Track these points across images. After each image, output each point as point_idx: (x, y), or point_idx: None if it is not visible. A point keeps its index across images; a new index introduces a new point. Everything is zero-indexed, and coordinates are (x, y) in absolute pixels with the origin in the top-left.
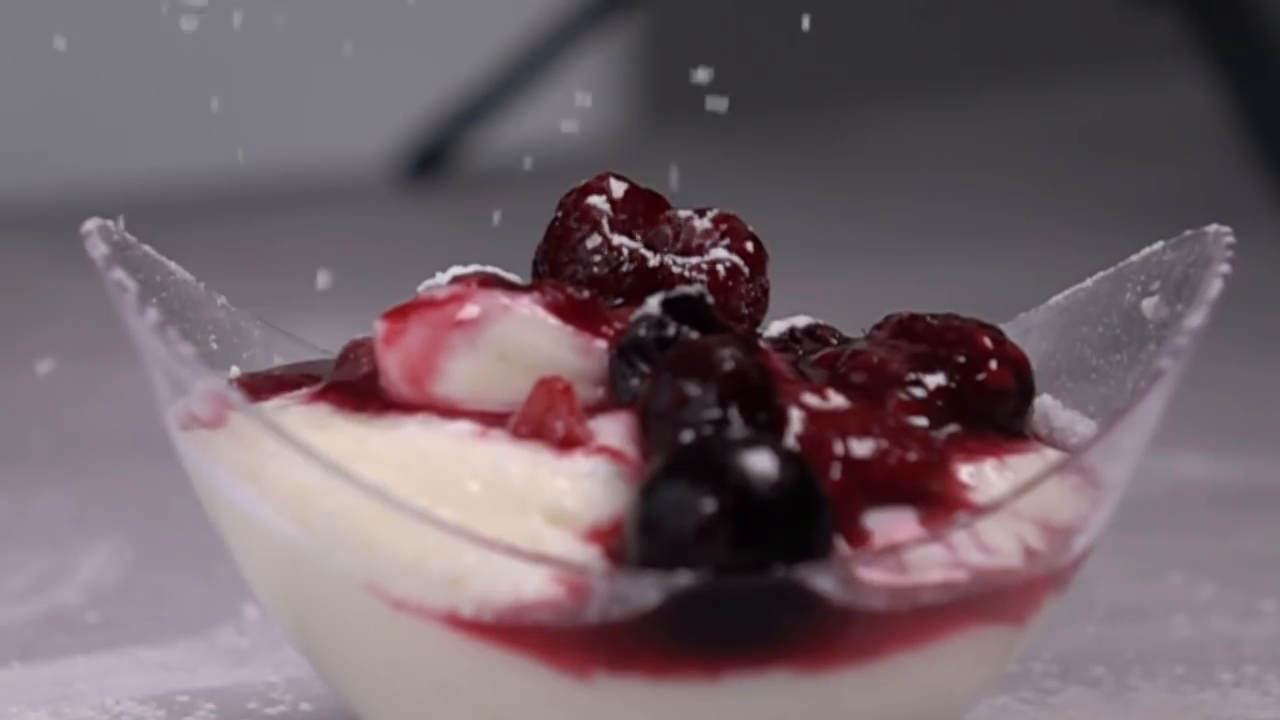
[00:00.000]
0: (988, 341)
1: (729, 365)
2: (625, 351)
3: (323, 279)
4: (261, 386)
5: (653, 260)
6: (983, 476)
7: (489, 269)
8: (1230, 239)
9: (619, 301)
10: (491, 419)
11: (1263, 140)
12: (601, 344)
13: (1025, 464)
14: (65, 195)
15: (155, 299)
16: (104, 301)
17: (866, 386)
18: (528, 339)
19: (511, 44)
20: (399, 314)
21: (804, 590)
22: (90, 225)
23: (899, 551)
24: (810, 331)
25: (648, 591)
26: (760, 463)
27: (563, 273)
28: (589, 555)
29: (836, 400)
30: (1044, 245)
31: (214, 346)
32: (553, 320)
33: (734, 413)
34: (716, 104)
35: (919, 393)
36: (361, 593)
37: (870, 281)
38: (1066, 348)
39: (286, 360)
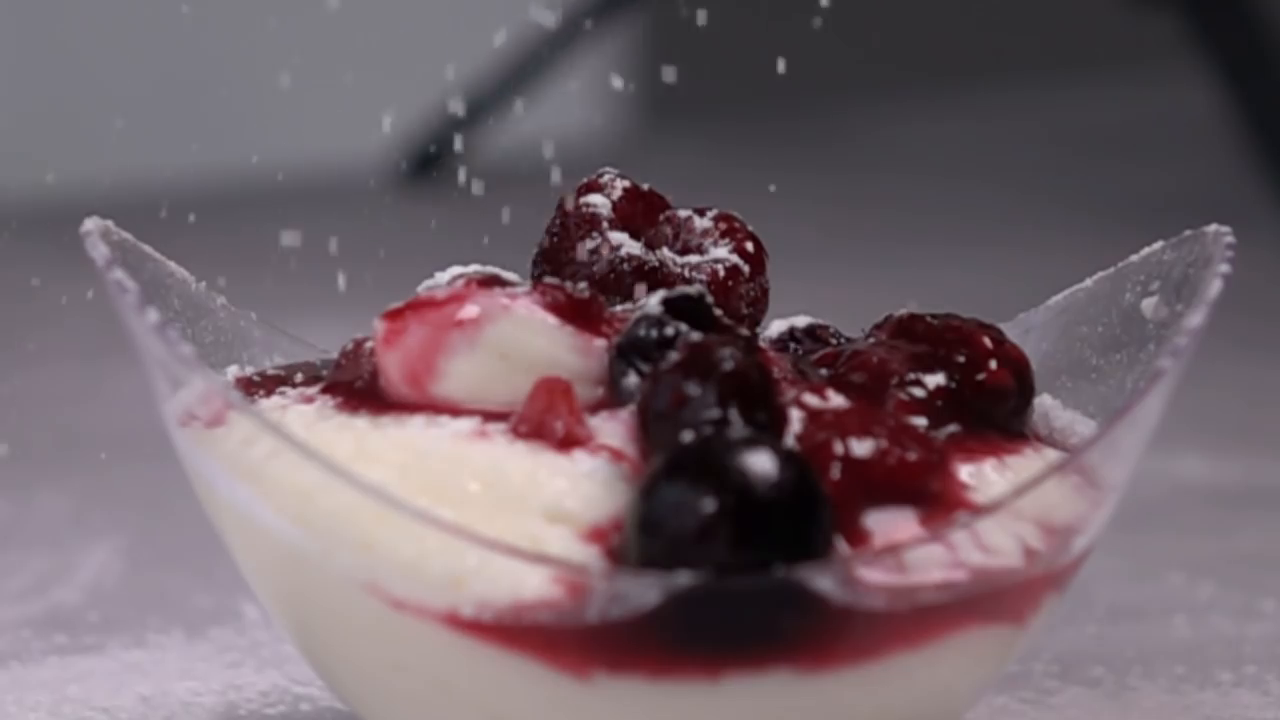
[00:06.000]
0: (988, 341)
1: (729, 365)
2: (625, 351)
3: (341, 280)
4: (261, 386)
5: (652, 260)
6: (983, 476)
7: (489, 269)
8: (1230, 239)
9: (619, 301)
10: (491, 419)
11: (1263, 140)
12: (601, 344)
13: (1025, 464)
14: (65, 195)
15: (155, 299)
16: (104, 301)
17: (866, 386)
18: (527, 339)
19: (511, 44)
20: (399, 314)
21: (804, 590)
22: (90, 225)
23: (899, 551)
24: (810, 331)
25: (648, 591)
26: (760, 463)
27: (562, 273)
28: (589, 555)
29: (836, 400)
30: (1044, 245)
31: (214, 347)
32: (552, 320)
33: (734, 413)
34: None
35: (919, 393)
36: (361, 593)
37: (870, 281)
38: (1066, 348)
39: (286, 360)
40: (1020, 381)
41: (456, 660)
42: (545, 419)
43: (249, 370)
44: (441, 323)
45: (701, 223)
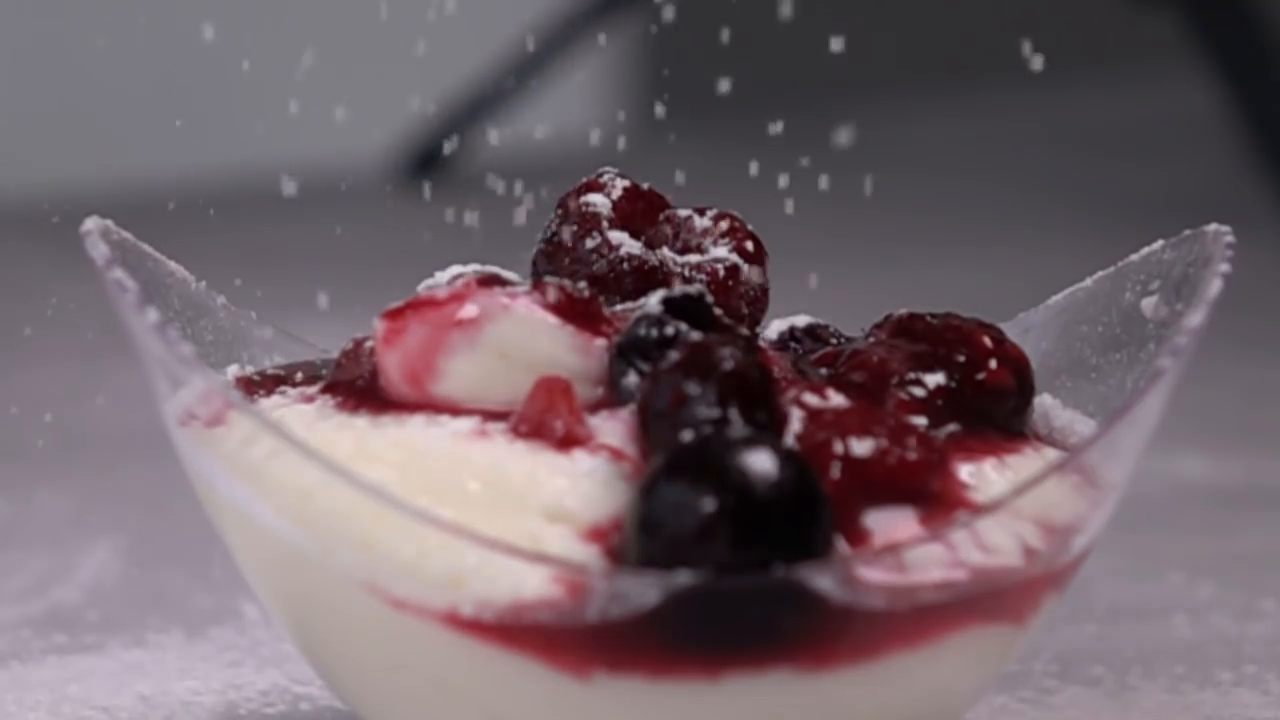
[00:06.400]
0: (987, 341)
1: (729, 365)
2: (625, 350)
3: (341, 280)
4: (261, 386)
5: (652, 259)
6: (983, 476)
7: (489, 268)
8: (1230, 238)
9: (619, 301)
10: (491, 418)
11: (1263, 140)
12: (601, 343)
13: (1025, 463)
14: (65, 195)
15: (155, 299)
16: (104, 301)
17: (866, 386)
18: (527, 338)
19: (511, 44)
20: (398, 314)
21: (804, 590)
22: (90, 225)
23: (899, 551)
24: (810, 331)
25: (647, 591)
26: (760, 462)
27: (562, 272)
28: (589, 555)
29: (836, 400)
30: (1044, 245)
31: (214, 346)
32: (552, 319)
33: (734, 412)
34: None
35: (919, 392)
36: (361, 592)
37: (870, 281)
38: (1066, 347)
39: (286, 360)
40: (1020, 381)
41: (456, 660)
42: (545, 418)
43: (249, 370)
44: (441, 322)
45: (701, 222)
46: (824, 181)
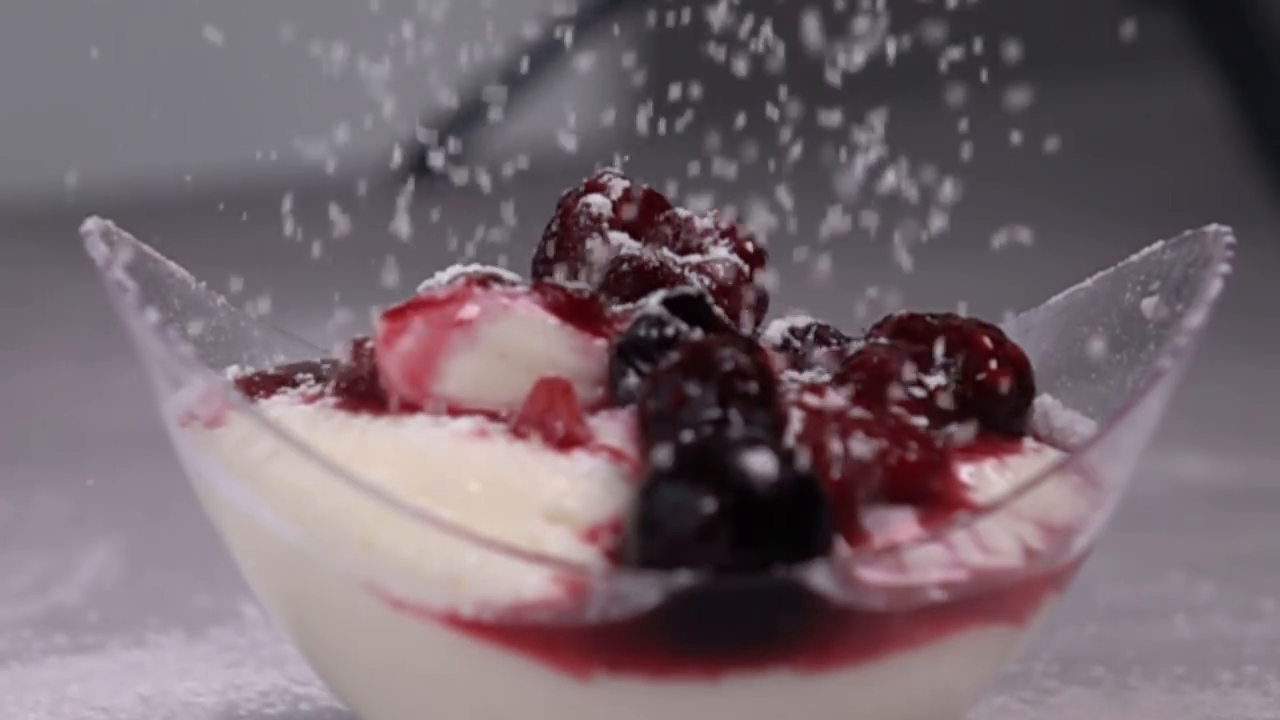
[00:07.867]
0: (988, 341)
1: (729, 365)
2: (625, 351)
3: (342, 280)
4: (261, 386)
5: (652, 260)
6: (983, 476)
7: (489, 269)
8: (1230, 239)
9: (618, 301)
10: (491, 419)
11: (1263, 140)
12: (601, 343)
13: (1025, 464)
14: (65, 195)
15: (155, 299)
16: (104, 301)
17: (866, 386)
18: (527, 339)
19: (511, 44)
20: (399, 314)
21: (804, 590)
22: (90, 225)
23: (899, 551)
24: (810, 331)
25: (648, 591)
26: (760, 463)
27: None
28: (589, 555)
29: (836, 400)
30: (1044, 245)
31: (214, 346)
32: (552, 320)
33: (734, 413)
34: None
35: (919, 392)
36: (361, 593)
37: (870, 281)
38: (1066, 348)
39: (286, 360)
40: (1020, 381)
41: (456, 660)
42: (545, 419)
43: (249, 370)
44: (442, 322)
45: (702, 223)
46: (825, 180)
